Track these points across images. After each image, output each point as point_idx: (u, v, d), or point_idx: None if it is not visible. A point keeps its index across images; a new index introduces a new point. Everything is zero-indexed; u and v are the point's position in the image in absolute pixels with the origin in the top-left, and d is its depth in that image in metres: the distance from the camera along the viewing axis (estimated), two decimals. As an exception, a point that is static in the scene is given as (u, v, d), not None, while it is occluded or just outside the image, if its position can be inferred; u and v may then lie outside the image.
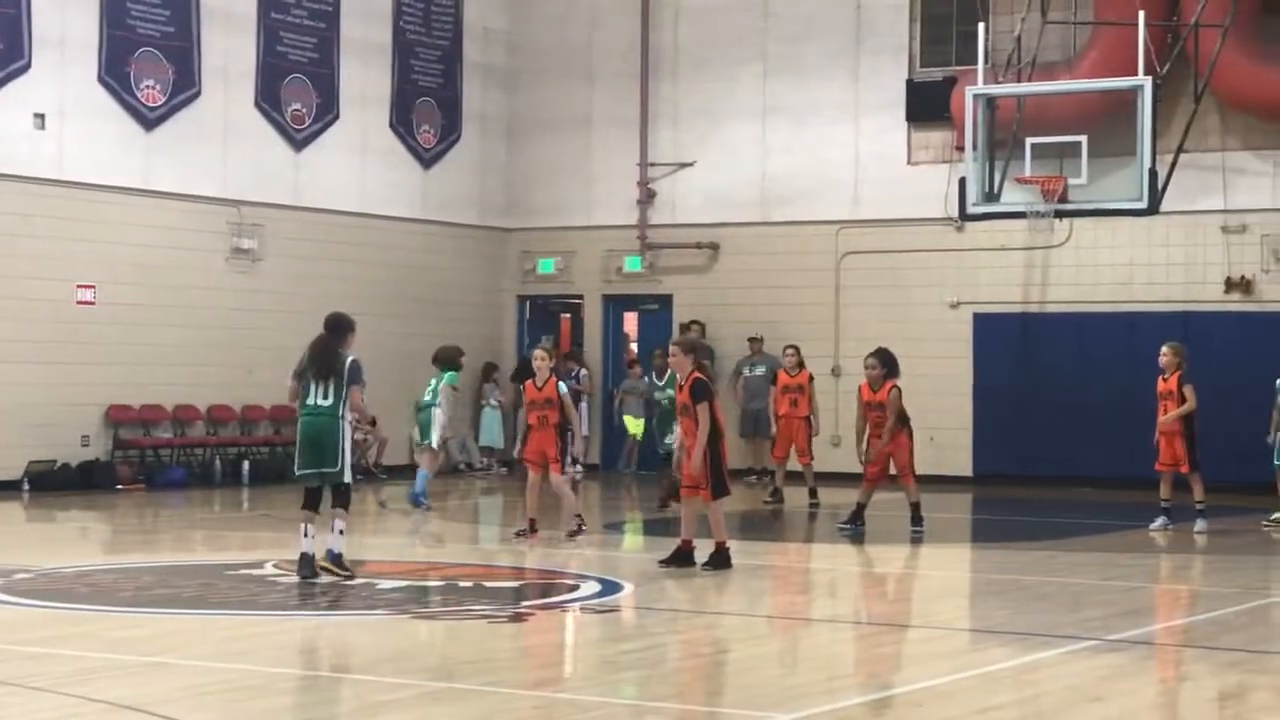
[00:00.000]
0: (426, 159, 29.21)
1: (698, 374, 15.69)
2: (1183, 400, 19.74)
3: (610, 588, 14.69)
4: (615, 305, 30.27)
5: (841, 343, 27.79)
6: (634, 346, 30.41)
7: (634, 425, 28.52)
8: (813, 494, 22.68)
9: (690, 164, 29.12)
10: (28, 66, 23.64)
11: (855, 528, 19.41)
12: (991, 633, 13.09)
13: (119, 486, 24.04)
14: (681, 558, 15.76)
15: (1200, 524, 19.61)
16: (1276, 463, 20.49)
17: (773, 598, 15.40)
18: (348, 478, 14.77)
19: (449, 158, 29.57)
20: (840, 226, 27.95)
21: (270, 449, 26.47)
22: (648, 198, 29.42)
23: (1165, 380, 19.99)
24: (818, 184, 28.10)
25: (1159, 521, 19.87)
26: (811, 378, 23.26)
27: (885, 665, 11.72)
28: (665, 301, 29.49)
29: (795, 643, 12.76)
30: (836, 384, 27.39)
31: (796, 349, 23.40)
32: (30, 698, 9.90)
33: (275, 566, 15.48)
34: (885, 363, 19.59)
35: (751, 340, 27.63)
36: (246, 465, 25.87)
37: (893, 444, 19.47)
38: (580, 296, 30.35)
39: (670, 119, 29.38)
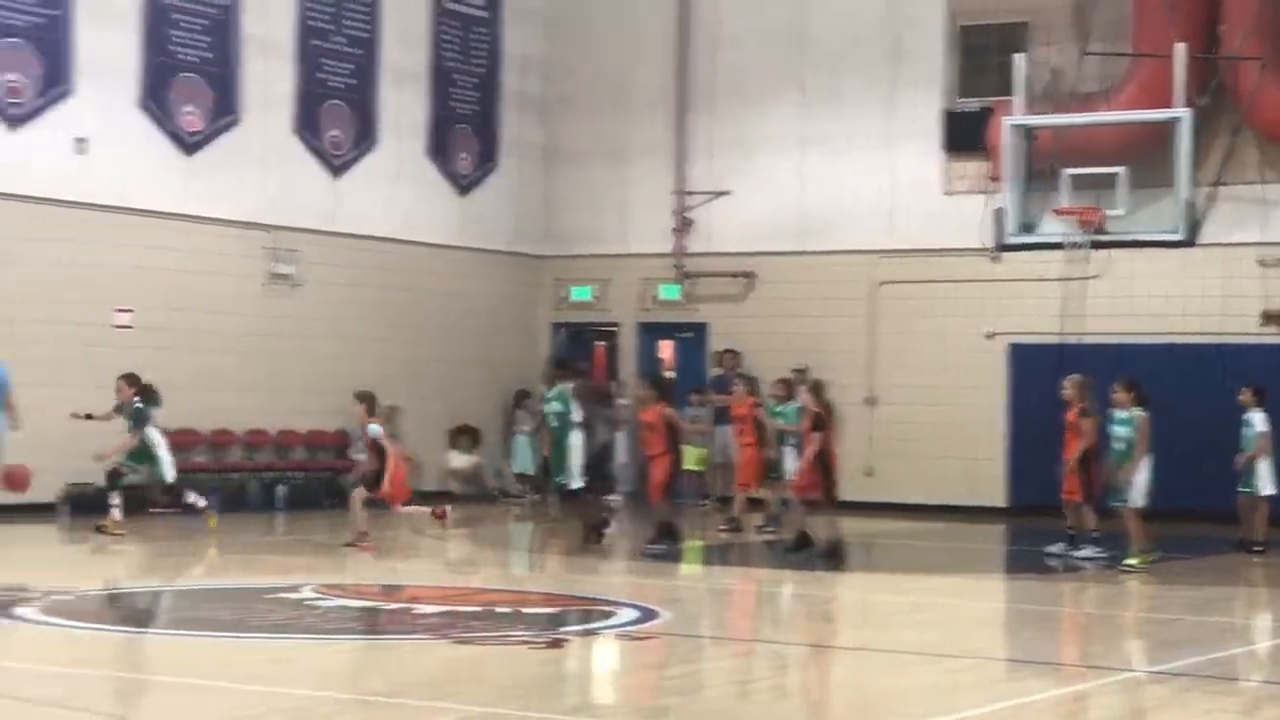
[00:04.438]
0: (463, 186, 29.29)
1: (817, 409, 19.14)
2: (1081, 434, 20.01)
3: (647, 614, 14.69)
4: (651, 333, 30.29)
5: (876, 373, 27.79)
6: (669, 374, 30.37)
7: (692, 455, 28.20)
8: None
9: (726, 193, 29.15)
10: (70, 91, 23.79)
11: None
12: (1028, 663, 13.07)
13: (154, 510, 24.08)
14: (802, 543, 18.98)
15: (1087, 550, 19.96)
16: (1242, 489, 21.09)
17: (806, 626, 15.39)
18: None
19: (486, 185, 29.65)
20: (876, 256, 27.94)
21: (305, 474, 26.52)
22: (684, 226, 29.46)
23: (1069, 413, 20.28)
24: (854, 213, 28.11)
25: (1058, 546, 20.41)
26: (759, 405, 23.22)
27: (922, 695, 11.69)
28: (701, 329, 29.50)
29: (830, 672, 12.76)
30: (871, 414, 27.38)
31: (744, 377, 23.88)
32: (61, 717, 9.94)
33: (313, 590, 15.52)
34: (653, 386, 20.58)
35: (794, 371, 27.38)
36: (281, 490, 25.92)
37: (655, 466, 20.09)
38: (616, 324, 30.39)
39: (707, 148, 29.43)
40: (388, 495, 19.55)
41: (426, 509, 20.49)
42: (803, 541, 19.46)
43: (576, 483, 19.73)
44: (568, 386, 19.75)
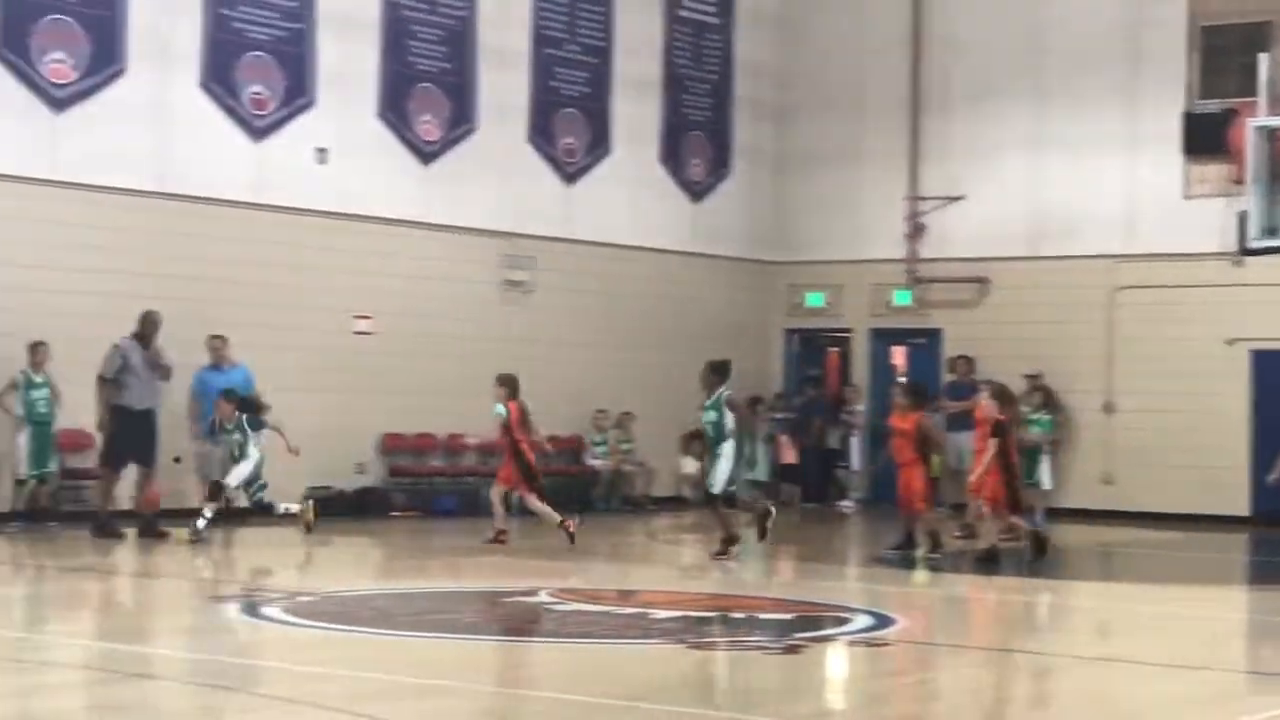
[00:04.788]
0: (696, 192, 29.38)
1: (1000, 416, 19.24)
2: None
3: (882, 621, 14.61)
4: (883, 339, 30.14)
5: (1114, 379, 27.38)
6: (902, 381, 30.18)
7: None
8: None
9: (960, 198, 28.91)
10: (312, 102, 24.26)
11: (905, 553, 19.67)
12: (1274, 675, 12.78)
13: (393, 514, 24.46)
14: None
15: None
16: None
17: (1044, 635, 15.20)
18: None
19: (718, 191, 29.72)
20: (1114, 261, 27.53)
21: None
22: (917, 231, 29.27)
23: None
24: (1091, 217, 27.73)
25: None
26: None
27: (1165, 707, 11.49)
28: (934, 336, 29.29)
29: (1071, 681, 12.57)
30: (1109, 421, 26.99)
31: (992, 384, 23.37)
32: (313, 716, 10.12)
33: (549, 595, 15.64)
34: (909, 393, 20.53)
35: (1028, 377, 27.07)
36: (516, 495, 26.08)
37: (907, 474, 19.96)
38: (848, 330, 30.27)
39: (940, 152, 29.21)
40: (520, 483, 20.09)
41: (557, 516, 20.38)
42: (992, 552, 19.31)
43: (718, 488, 19.56)
44: (723, 394, 19.56)
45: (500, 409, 20.09)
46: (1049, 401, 22.81)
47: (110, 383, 20.61)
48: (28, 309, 21.55)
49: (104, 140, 22.32)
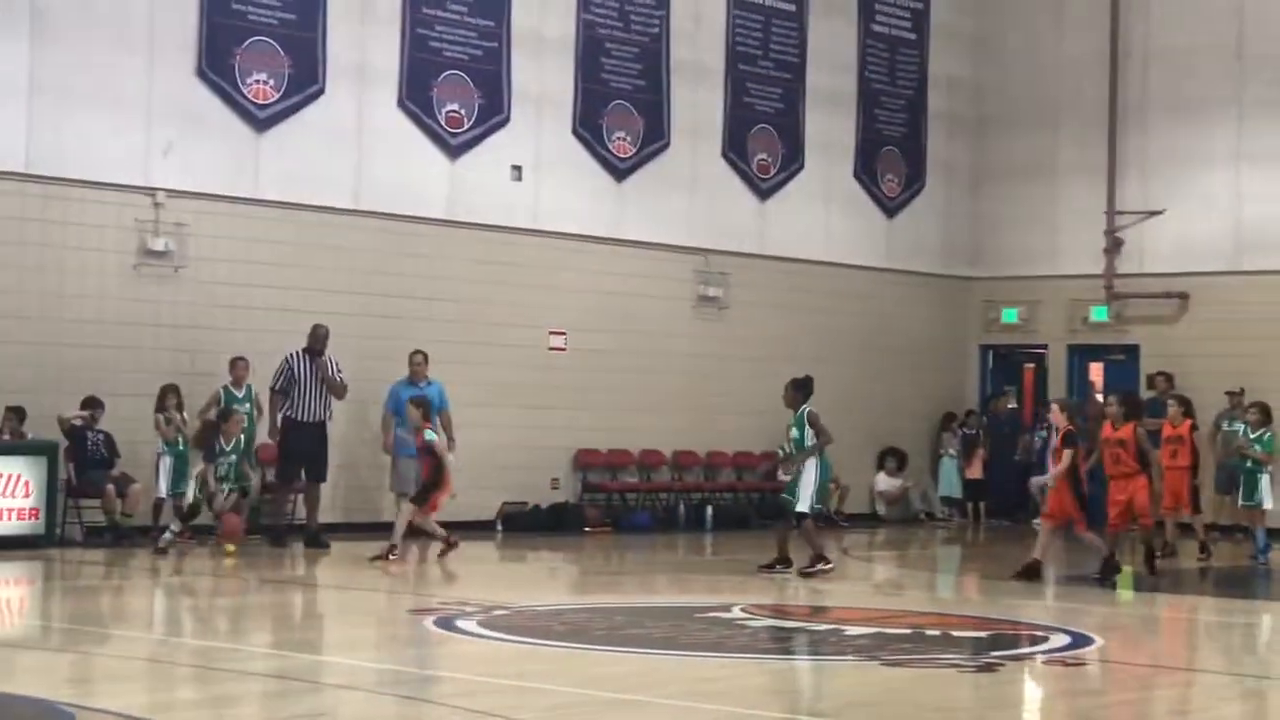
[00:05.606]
0: (890, 208, 29.24)
1: (1069, 427, 19.04)
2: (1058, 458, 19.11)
3: (1079, 640, 14.41)
4: (1080, 355, 29.77)
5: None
6: (1099, 398, 29.80)
7: None
8: (1201, 548, 21.93)
9: (1159, 212, 28.48)
10: (507, 120, 24.47)
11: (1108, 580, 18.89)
12: None
13: (586, 529, 24.57)
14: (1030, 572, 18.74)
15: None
16: (1244, 502, 21.07)
17: (1249, 657, 14.91)
18: None
19: (912, 206, 29.55)
20: (1321, 275, 27.00)
21: (734, 495, 26.75)
22: (1115, 246, 28.87)
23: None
24: (1296, 231, 27.21)
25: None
26: (1195, 428, 22.40)
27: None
28: (1132, 352, 28.87)
29: (1276, 703, 12.33)
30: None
31: (1178, 398, 22.72)
32: (512, 729, 10.19)
33: (742, 610, 15.62)
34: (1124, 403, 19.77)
35: (1230, 394, 26.62)
36: (710, 511, 26.16)
37: (1132, 486, 19.16)
38: (1044, 346, 29.94)
39: (1139, 166, 28.80)
40: (435, 506, 19.91)
41: (443, 532, 20.24)
42: (1110, 567, 18.92)
43: (803, 506, 19.39)
44: (805, 410, 19.46)
45: (431, 434, 20.12)
46: (1268, 418, 22.26)
47: (277, 394, 21.12)
48: (230, 326, 21.96)
49: (304, 159, 22.69)
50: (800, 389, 19.62)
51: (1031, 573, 18.88)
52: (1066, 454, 18.92)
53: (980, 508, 28.84)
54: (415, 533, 20.29)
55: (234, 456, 20.34)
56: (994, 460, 28.63)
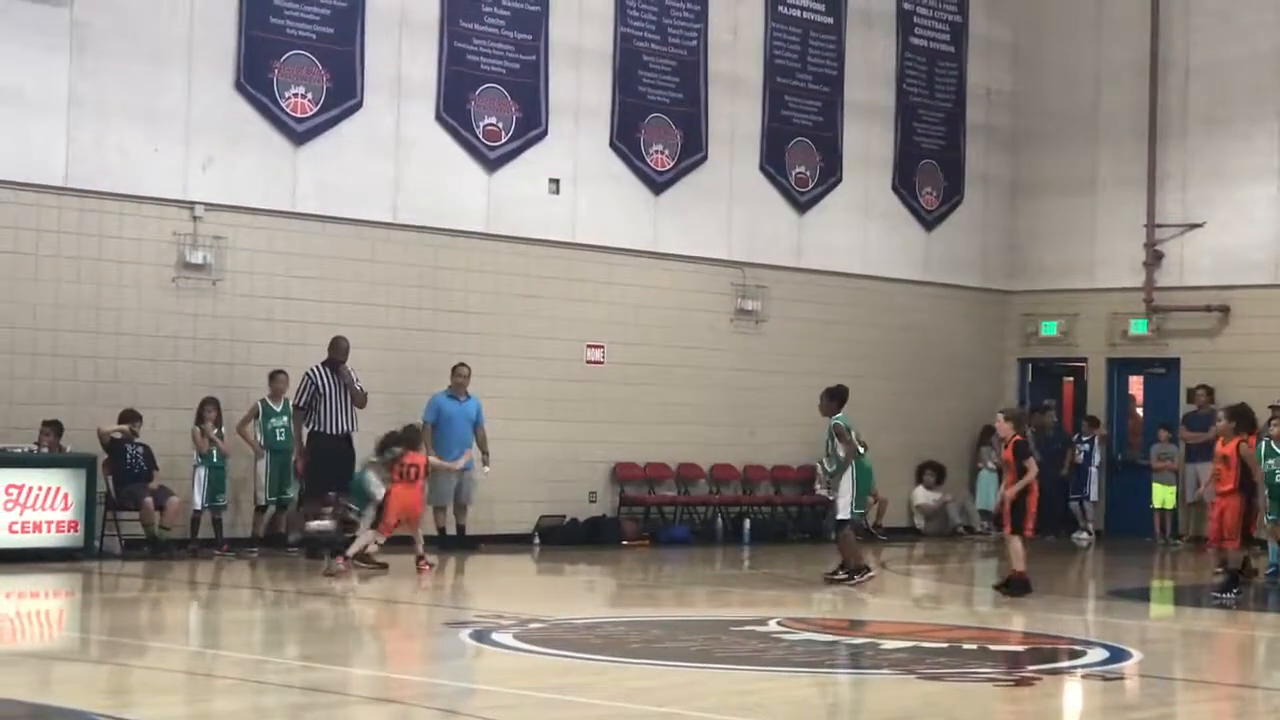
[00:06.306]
0: (928, 221, 29.18)
1: (1018, 436, 18.58)
2: (1022, 472, 18.51)
3: (1117, 654, 14.35)
4: (1120, 369, 29.66)
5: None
6: (1139, 412, 29.73)
7: (1161, 494, 27.52)
8: (1244, 564, 21.62)
9: (1200, 225, 28.37)
10: (545, 133, 24.49)
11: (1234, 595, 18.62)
12: None
13: (624, 543, 24.55)
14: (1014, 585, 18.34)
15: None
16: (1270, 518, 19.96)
17: (1290, 672, 14.84)
18: None
19: (951, 219, 29.48)
20: (1361, 288, 26.86)
21: (771, 509, 26.71)
22: (1155, 259, 28.77)
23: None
24: (1337, 244, 27.08)
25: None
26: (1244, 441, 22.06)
27: None
28: (1172, 365, 28.75)
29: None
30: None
31: (1230, 411, 22.25)
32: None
33: (779, 624, 15.59)
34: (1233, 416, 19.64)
35: (1274, 408, 26.40)
36: (747, 524, 26.12)
37: (1224, 502, 19.06)
38: (1084, 360, 29.84)
39: (1179, 179, 28.69)
40: (386, 527, 19.76)
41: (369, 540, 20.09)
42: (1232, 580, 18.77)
43: (843, 514, 19.51)
44: (836, 420, 19.49)
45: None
46: None
47: (302, 410, 21.05)
48: (268, 339, 22.03)
49: (342, 172, 22.74)
50: (835, 397, 19.69)
51: (1020, 587, 18.48)
52: (1031, 467, 18.55)
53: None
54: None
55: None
56: (1041, 473, 28.29)
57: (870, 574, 19.40)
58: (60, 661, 13.20)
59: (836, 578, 19.26)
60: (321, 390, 20.98)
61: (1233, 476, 19.14)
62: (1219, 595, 18.64)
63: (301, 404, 21.06)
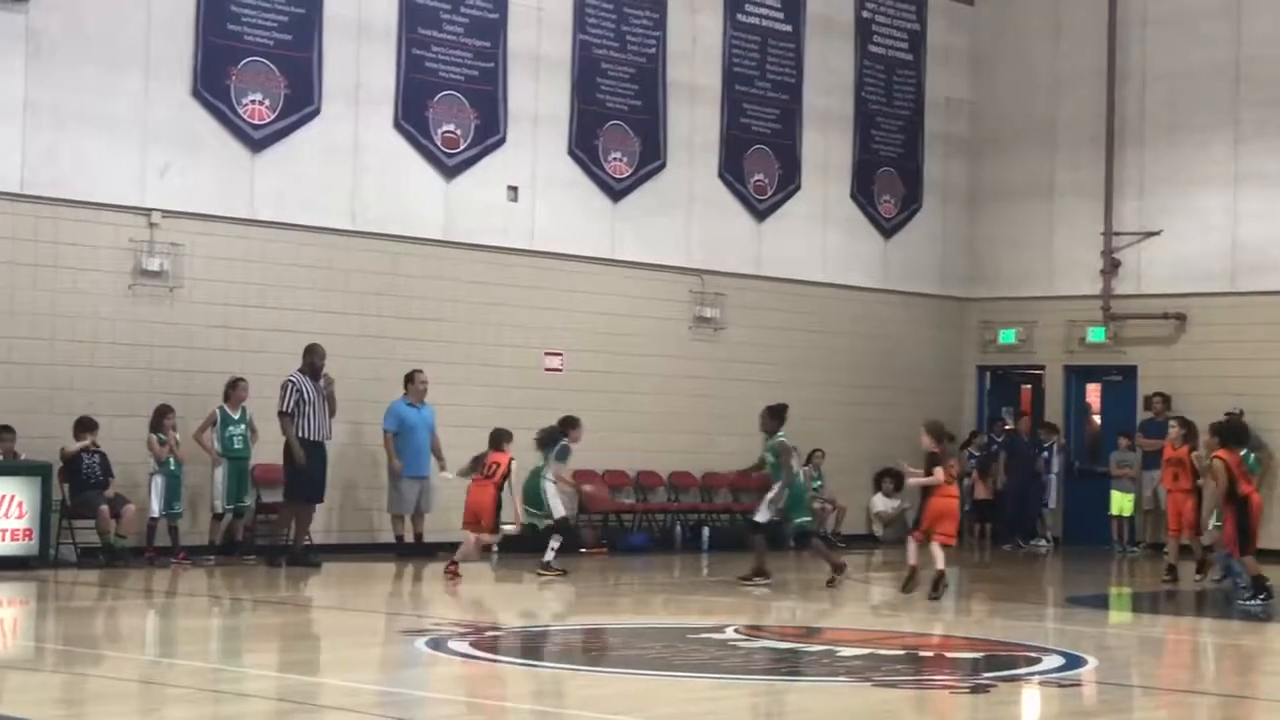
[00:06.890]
0: (887, 228, 29.23)
1: (935, 449, 19.17)
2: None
3: (1074, 661, 14.37)
4: (1077, 376, 29.75)
5: (1317, 417, 26.78)
6: (1096, 419, 29.82)
7: (1120, 501, 27.62)
8: (1199, 568, 21.83)
9: (1157, 233, 28.48)
10: (503, 141, 24.47)
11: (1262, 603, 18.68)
12: None
13: (583, 550, 24.50)
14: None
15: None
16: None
17: (1240, 678, 14.86)
18: None
19: (909, 227, 29.54)
20: (1317, 296, 26.98)
21: (730, 516, 26.69)
22: (1112, 267, 28.86)
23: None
24: (1293, 252, 27.20)
25: None
26: (1194, 450, 22.22)
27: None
28: (1129, 373, 28.85)
29: (1270, 725, 12.30)
30: (1312, 461, 26.40)
31: (1179, 420, 22.55)
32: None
33: (736, 631, 15.59)
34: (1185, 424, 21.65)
35: (1229, 415, 26.43)
36: (706, 532, 26.12)
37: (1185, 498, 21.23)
38: (1042, 367, 29.92)
39: (1136, 187, 28.80)
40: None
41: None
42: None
43: (760, 516, 20.34)
44: (776, 439, 19.97)
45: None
46: (1254, 440, 22.24)
47: (287, 416, 21.15)
48: (225, 346, 21.96)
49: (299, 180, 22.69)
50: (776, 415, 20.09)
51: (935, 584, 18.97)
52: (938, 473, 19.13)
53: (987, 529, 28.70)
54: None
55: None
56: (1012, 480, 28.39)
57: (767, 581, 19.95)
58: (14, 670, 13.12)
59: (749, 579, 20.00)
60: (307, 397, 21.13)
61: (1189, 476, 20.67)
62: (1245, 604, 18.73)
63: (289, 409, 21.15)
